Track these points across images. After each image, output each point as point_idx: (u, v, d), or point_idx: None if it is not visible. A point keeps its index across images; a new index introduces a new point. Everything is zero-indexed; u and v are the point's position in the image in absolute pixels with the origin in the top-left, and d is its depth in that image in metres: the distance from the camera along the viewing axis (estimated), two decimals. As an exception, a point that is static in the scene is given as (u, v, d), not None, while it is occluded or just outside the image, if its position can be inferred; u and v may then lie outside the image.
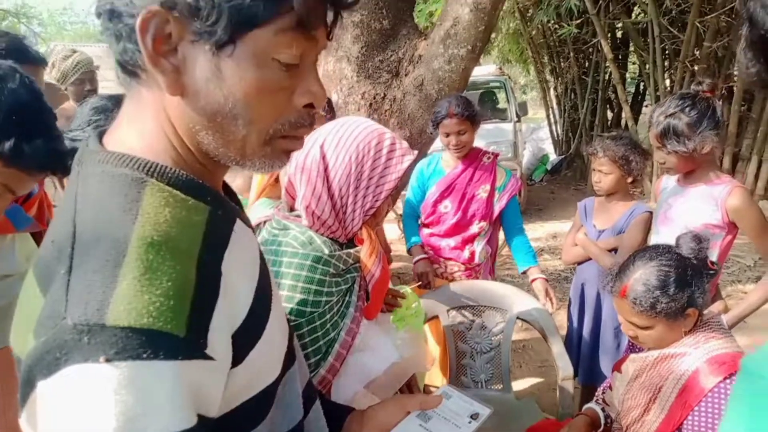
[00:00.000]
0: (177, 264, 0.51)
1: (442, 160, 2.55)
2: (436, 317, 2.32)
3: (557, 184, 9.33)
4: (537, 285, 2.36)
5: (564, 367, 2.09)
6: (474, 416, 1.00)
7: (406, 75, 3.21)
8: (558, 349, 2.17)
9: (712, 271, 1.41)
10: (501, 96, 8.68)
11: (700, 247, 1.37)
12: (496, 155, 2.52)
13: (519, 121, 7.49)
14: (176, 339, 0.48)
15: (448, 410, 1.00)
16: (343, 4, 0.59)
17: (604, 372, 2.28)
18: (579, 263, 2.41)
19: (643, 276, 1.33)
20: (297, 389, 0.74)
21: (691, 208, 1.92)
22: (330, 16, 0.59)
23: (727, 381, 1.24)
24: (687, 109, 1.82)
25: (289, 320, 1.09)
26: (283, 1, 0.53)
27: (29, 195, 1.64)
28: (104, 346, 0.45)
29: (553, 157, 10.60)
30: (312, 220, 1.16)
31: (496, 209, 2.47)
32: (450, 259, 2.51)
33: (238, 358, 0.57)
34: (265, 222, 1.26)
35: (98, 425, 0.44)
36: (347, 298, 1.19)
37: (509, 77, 9.01)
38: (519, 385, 3.24)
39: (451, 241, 2.50)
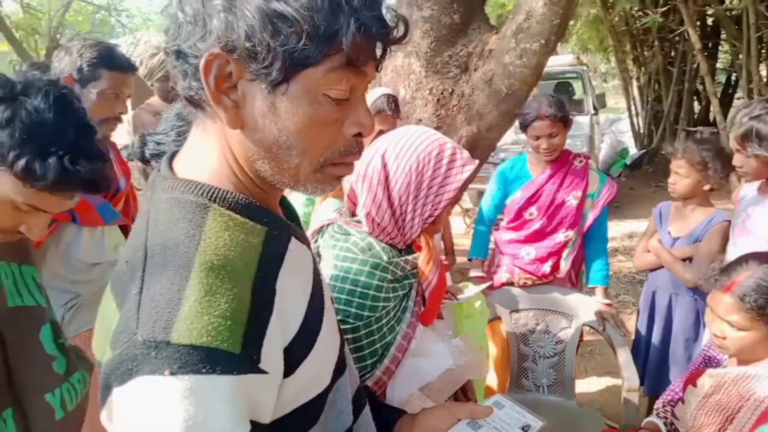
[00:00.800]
0: (234, 286, 0.56)
1: (528, 163, 2.39)
2: (497, 318, 2.30)
3: (637, 180, 8.88)
4: (600, 313, 2.22)
5: (630, 377, 2.02)
6: (525, 428, 1.00)
7: (475, 70, 3.17)
8: (625, 358, 2.10)
9: None
10: (577, 87, 8.33)
11: None
12: (588, 158, 2.35)
13: (596, 113, 7.19)
14: (232, 356, 0.53)
15: (500, 420, 1.00)
16: (391, 41, 0.62)
17: (672, 381, 2.19)
18: (651, 270, 2.31)
19: (758, 274, 1.28)
20: (347, 396, 0.77)
21: None
22: (379, 51, 0.62)
23: None
24: None
25: (346, 324, 1.13)
26: (333, 43, 0.57)
27: (117, 191, 1.78)
28: (169, 361, 0.51)
29: (633, 151, 10.10)
30: (372, 226, 1.20)
31: (590, 218, 2.29)
32: (526, 272, 2.33)
33: (289, 370, 0.61)
34: (327, 225, 1.30)
35: (166, 429, 0.50)
36: (404, 303, 1.22)
37: (587, 67, 8.64)
38: (583, 389, 3.15)
39: (532, 250, 2.31)
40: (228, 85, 0.59)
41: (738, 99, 9.48)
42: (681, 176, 2.11)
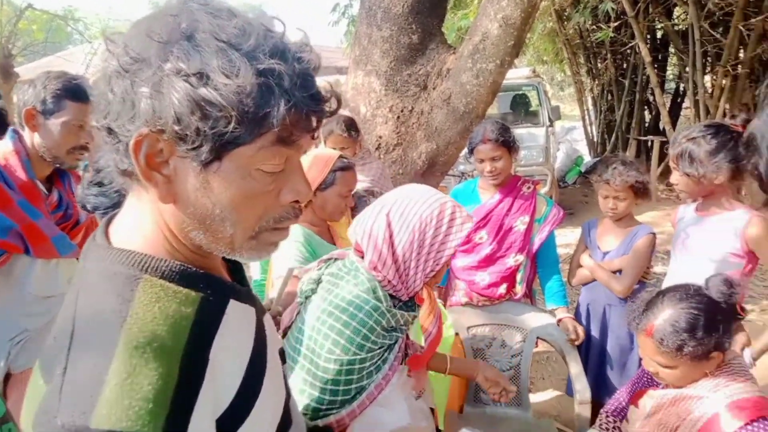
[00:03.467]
0: (159, 365, 0.56)
1: (479, 187, 2.45)
2: (456, 334, 2.36)
3: (591, 186, 9.06)
4: (564, 323, 2.29)
5: (581, 390, 2.11)
6: None
7: (434, 89, 3.24)
8: (576, 370, 2.18)
9: (740, 317, 1.40)
10: (534, 99, 8.57)
11: (731, 291, 1.35)
12: (536, 184, 2.43)
13: (551, 125, 7.40)
14: None
15: None
16: (324, 115, 0.63)
17: (611, 389, 2.29)
18: (585, 284, 2.42)
19: (672, 317, 1.32)
20: None
21: (710, 237, 1.92)
22: (314, 122, 0.63)
23: (749, 427, 1.23)
24: (708, 137, 1.84)
25: (333, 354, 1.18)
26: (263, 125, 0.57)
27: (77, 223, 1.75)
28: None
29: (587, 158, 10.41)
30: (381, 279, 1.26)
31: (536, 242, 2.35)
32: (484, 295, 2.37)
33: None
34: (336, 258, 1.37)
35: None
36: (386, 355, 1.28)
37: (543, 79, 8.89)
38: (540, 397, 3.24)
39: (486, 276, 2.37)
40: (159, 161, 0.59)
41: (686, 108, 9.91)
42: (621, 200, 2.22)
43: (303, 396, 1.23)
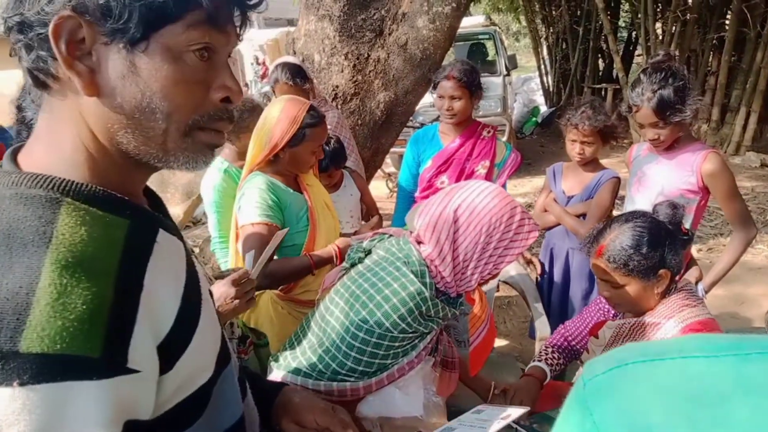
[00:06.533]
0: (93, 285, 0.52)
1: (440, 132, 2.43)
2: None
3: (547, 137, 9.26)
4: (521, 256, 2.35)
5: (541, 327, 2.16)
6: (505, 417, 1.02)
7: (389, 34, 3.15)
8: (537, 310, 2.24)
9: (685, 236, 1.45)
10: (490, 48, 8.49)
11: (675, 212, 1.43)
12: (495, 128, 2.43)
13: (508, 74, 7.38)
14: (91, 361, 0.50)
15: (477, 420, 1.03)
16: (246, 6, 0.63)
17: None
18: (548, 228, 2.42)
19: (618, 236, 1.38)
20: (235, 387, 0.76)
21: (667, 175, 1.94)
22: (238, 17, 0.63)
23: None
24: (670, 79, 1.80)
25: (366, 323, 1.16)
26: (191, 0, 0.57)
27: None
28: (18, 371, 0.47)
29: (543, 109, 10.50)
30: (432, 270, 1.23)
31: None
32: None
33: (166, 367, 0.59)
34: (391, 235, 1.33)
35: None
36: (416, 342, 1.25)
37: (499, 28, 8.81)
38: (504, 340, 3.34)
39: None
40: (81, 53, 0.56)
41: (638, 56, 10.05)
42: (588, 144, 2.19)
43: (327, 355, 1.22)
